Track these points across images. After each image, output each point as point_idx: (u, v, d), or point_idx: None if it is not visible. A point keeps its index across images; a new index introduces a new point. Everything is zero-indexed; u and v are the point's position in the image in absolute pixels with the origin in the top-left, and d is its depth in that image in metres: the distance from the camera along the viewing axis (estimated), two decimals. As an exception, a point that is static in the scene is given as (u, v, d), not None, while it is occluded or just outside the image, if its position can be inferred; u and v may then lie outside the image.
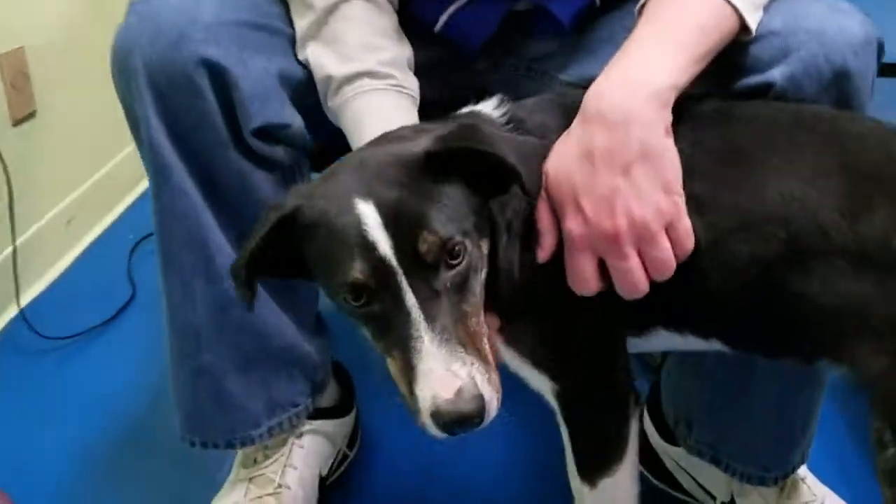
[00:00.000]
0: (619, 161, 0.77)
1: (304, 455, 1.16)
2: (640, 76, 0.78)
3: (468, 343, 0.72)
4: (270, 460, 1.15)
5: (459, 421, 0.68)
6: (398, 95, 0.97)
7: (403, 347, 0.71)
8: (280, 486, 1.12)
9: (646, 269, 0.79)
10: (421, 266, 0.72)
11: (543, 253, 0.82)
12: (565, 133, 0.83)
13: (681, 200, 0.78)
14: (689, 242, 0.79)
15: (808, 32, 0.83)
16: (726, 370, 1.03)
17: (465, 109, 0.92)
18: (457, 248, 0.73)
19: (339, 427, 1.24)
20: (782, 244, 0.77)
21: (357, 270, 0.71)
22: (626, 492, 0.92)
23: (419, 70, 1.04)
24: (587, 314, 0.84)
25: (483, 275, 0.78)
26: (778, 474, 1.08)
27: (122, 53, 0.93)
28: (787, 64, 0.83)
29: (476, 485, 1.27)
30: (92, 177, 2.07)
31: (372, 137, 0.87)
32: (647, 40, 0.81)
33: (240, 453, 1.17)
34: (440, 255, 0.72)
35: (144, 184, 2.22)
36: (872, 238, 0.75)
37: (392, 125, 0.89)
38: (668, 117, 0.78)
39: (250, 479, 1.14)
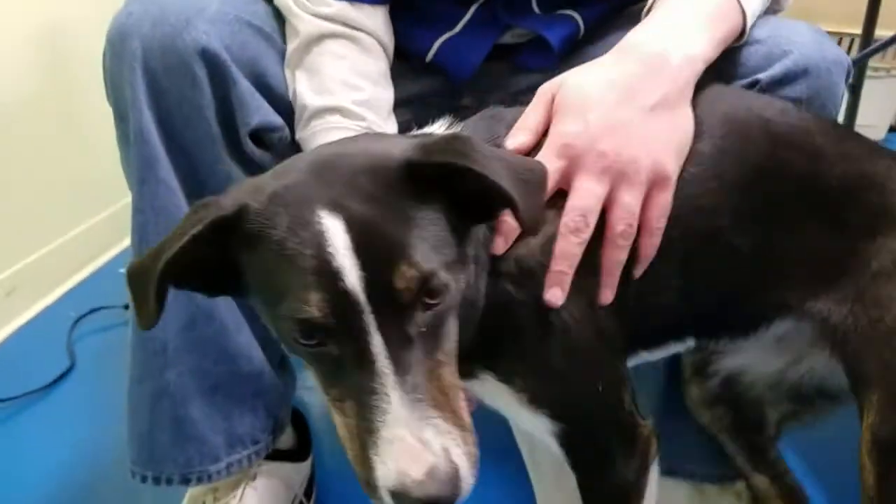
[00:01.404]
0: (642, 100, 0.78)
1: (258, 498, 1.10)
2: (679, 38, 0.82)
3: (443, 404, 0.61)
4: (221, 503, 1.07)
5: None
6: None
7: (362, 403, 0.59)
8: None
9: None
10: (394, 305, 0.60)
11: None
12: (592, 62, 0.84)
13: (674, 176, 0.79)
14: (661, 217, 0.78)
15: (791, 43, 0.92)
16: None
17: (415, 132, 0.87)
18: (438, 286, 0.61)
19: (295, 472, 1.18)
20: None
21: (314, 305, 0.58)
22: None
23: (408, 101, 1.06)
24: (586, 339, 0.78)
25: (457, 314, 0.67)
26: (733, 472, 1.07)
27: (119, 37, 0.90)
28: (772, 69, 0.91)
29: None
30: (38, 250, 2.01)
31: None
32: (673, 15, 0.85)
33: (186, 498, 1.09)
34: (418, 294, 0.61)
35: (92, 266, 2.21)
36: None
37: None
38: (691, 91, 0.82)
39: (199, 527, 1.06)
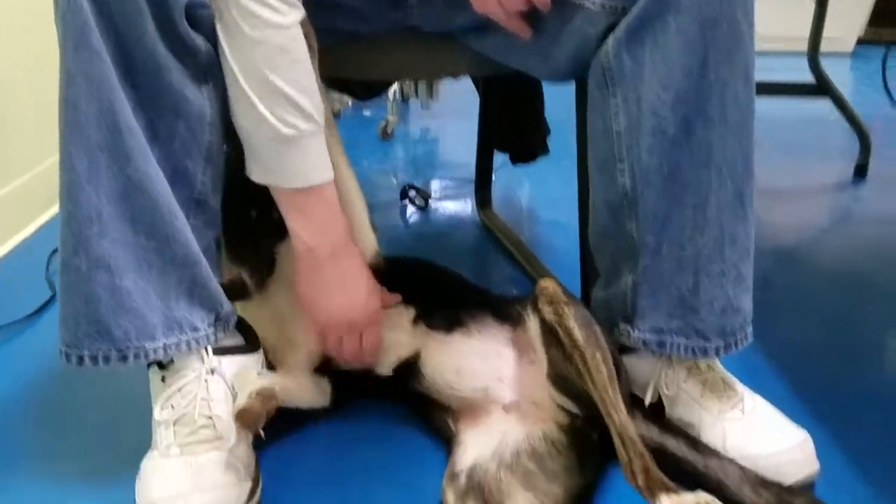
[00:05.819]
0: None
1: (223, 385, 1.07)
2: None
3: None
4: (188, 399, 1.04)
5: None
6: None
7: None
8: (210, 417, 1.03)
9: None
10: None
11: None
12: None
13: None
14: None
15: None
16: (662, 238, 1.06)
17: None
18: None
19: (253, 360, 1.14)
20: None
21: None
22: None
23: (358, 8, 1.17)
24: None
25: None
26: (719, 344, 1.06)
27: None
28: None
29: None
30: (11, 183, 1.99)
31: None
32: None
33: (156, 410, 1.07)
34: None
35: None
36: None
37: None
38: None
39: (175, 422, 1.02)
